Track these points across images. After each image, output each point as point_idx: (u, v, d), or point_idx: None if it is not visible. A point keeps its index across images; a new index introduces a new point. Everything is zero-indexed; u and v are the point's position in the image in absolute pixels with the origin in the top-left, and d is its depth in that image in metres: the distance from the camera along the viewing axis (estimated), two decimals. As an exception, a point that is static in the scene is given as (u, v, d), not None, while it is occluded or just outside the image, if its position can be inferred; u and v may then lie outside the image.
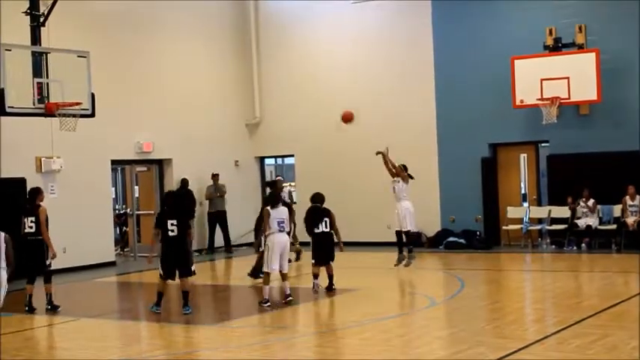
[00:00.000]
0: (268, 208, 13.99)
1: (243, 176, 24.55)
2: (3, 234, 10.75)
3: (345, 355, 10.48)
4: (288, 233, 14.29)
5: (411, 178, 17.42)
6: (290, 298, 13.71)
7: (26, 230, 14.12)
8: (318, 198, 15.18)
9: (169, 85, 22.67)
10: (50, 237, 14.19)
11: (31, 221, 14.08)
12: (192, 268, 13.63)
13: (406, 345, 10.68)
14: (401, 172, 17.30)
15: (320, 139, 23.78)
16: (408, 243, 17.40)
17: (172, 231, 13.20)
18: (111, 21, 21.25)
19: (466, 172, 21.66)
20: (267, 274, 13.87)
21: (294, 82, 24.32)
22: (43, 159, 19.32)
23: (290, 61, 24.47)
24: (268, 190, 16.14)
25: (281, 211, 13.94)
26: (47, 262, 14.18)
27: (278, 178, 17.75)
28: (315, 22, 24.18)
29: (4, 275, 10.65)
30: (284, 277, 13.95)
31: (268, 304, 13.53)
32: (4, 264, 10.61)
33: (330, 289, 14.84)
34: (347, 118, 16.94)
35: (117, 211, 24.12)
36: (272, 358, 10.38)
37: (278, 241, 13.75)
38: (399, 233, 17.35)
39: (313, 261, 14.99)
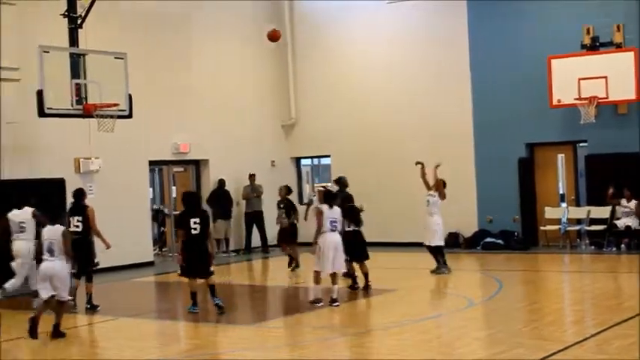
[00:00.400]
0: (323, 206, 13.82)
1: (279, 176, 24.52)
2: (62, 228, 11.96)
3: (383, 355, 10.44)
4: (341, 233, 14.14)
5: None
6: (337, 303, 13.45)
7: (72, 229, 14.37)
8: (351, 197, 15.28)
9: (206, 86, 22.76)
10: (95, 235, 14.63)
11: (77, 220, 14.38)
12: (211, 268, 13.64)
13: (445, 346, 10.64)
14: (440, 187, 16.97)
15: (355, 139, 23.75)
16: (441, 255, 17.23)
17: (195, 229, 13.27)
18: (147, 22, 21.36)
19: (503, 172, 21.52)
20: (318, 273, 13.77)
21: (329, 82, 24.34)
22: (81, 160, 19.48)
23: (325, 62, 24.47)
24: (336, 187, 16.06)
25: (335, 211, 13.84)
26: (96, 260, 14.51)
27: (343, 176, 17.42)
28: (350, 22, 24.14)
29: (61, 266, 11.91)
30: (334, 279, 13.73)
31: (321, 303, 13.42)
32: (60, 255, 11.88)
33: (367, 288, 14.85)
34: (273, 37, 16.50)
35: (154, 209, 24.04)
36: (310, 358, 10.36)
37: (330, 241, 13.62)
38: (429, 248, 17.17)
39: (348, 258, 14.97)
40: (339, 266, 13.85)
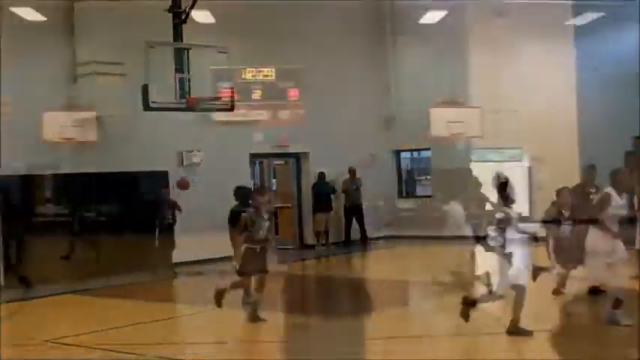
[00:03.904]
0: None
1: (379, 169, 24.52)
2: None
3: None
4: None
5: None
6: None
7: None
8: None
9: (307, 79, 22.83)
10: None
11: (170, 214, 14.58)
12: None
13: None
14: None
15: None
16: None
17: None
18: (246, 15, 21.48)
19: (609, 166, 20.95)
20: None
21: (429, 77, 24.21)
22: (184, 152, 19.84)
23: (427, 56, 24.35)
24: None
25: None
26: None
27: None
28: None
29: None
30: None
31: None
32: None
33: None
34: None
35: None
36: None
37: None
38: None
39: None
40: None
